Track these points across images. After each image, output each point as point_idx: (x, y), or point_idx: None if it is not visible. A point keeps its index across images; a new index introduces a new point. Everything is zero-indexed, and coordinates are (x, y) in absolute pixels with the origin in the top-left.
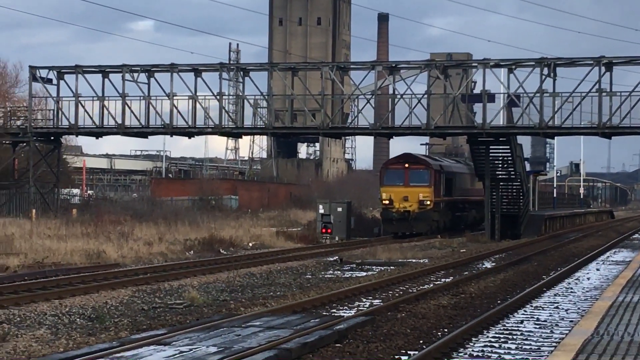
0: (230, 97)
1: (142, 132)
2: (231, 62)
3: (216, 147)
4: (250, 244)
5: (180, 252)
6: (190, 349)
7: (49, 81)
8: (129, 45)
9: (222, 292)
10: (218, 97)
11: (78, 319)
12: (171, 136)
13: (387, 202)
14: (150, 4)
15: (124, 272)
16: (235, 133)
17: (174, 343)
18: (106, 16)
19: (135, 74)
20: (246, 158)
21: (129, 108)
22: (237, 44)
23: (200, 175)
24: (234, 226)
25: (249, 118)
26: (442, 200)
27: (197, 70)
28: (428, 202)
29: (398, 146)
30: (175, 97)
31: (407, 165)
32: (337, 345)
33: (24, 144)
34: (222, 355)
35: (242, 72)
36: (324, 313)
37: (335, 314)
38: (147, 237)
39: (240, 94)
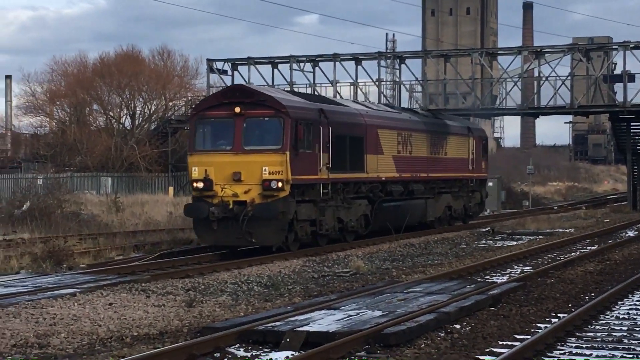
0: (388, 82)
1: None
2: (388, 50)
3: None
4: None
5: None
6: (358, 313)
7: (224, 72)
8: (295, 37)
9: (385, 261)
10: (377, 83)
11: (256, 287)
12: None
13: (199, 184)
14: None
15: None
16: None
17: (342, 308)
18: (275, 11)
19: (302, 64)
20: None
21: None
22: (393, 34)
23: None
24: None
25: (405, 102)
26: (327, 181)
27: (357, 59)
28: (279, 184)
29: (543, 125)
30: (338, 84)
31: (238, 109)
32: (491, 309)
33: None
34: (387, 319)
35: (398, 60)
36: (479, 279)
37: (489, 280)
38: None
39: (397, 79)
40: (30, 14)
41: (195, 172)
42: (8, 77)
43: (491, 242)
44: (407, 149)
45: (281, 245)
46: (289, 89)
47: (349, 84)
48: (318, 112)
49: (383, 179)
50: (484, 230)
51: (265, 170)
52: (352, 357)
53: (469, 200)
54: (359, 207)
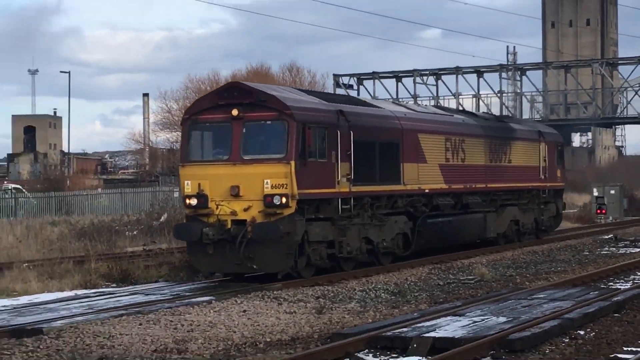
0: (509, 94)
1: None
2: (509, 62)
3: None
4: None
5: None
6: (482, 319)
7: (350, 87)
8: (418, 52)
9: (508, 268)
10: (498, 94)
11: (383, 294)
12: None
13: (193, 201)
14: (439, 14)
15: None
16: None
17: (467, 314)
18: (399, 27)
19: (425, 77)
20: None
21: None
22: (514, 47)
23: None
24: None
25: (527, 112)
26: (348, 194)
27: (479, 72)
28: (283, 200)
29: None
30: (460, 96)
31: (236, 112)
32: (615, 315)
33: None
34: (512, 325)
35: (519, 72)
36: (602, 286)
37: (613, 287)
38: None
39: (519, 91)
40: (164, 35)
41: (188, 187)
42: (145, 95)
43: (614, 249)
44: (459, 156)
45: (290, 272)
46: (392, 100)
47: (471, 96)
48: (335, 114)
49: (426, 191)
50: (607, 237)
51: (267, 183)
52: None
53: (541, 213)
54: (394, 225)
